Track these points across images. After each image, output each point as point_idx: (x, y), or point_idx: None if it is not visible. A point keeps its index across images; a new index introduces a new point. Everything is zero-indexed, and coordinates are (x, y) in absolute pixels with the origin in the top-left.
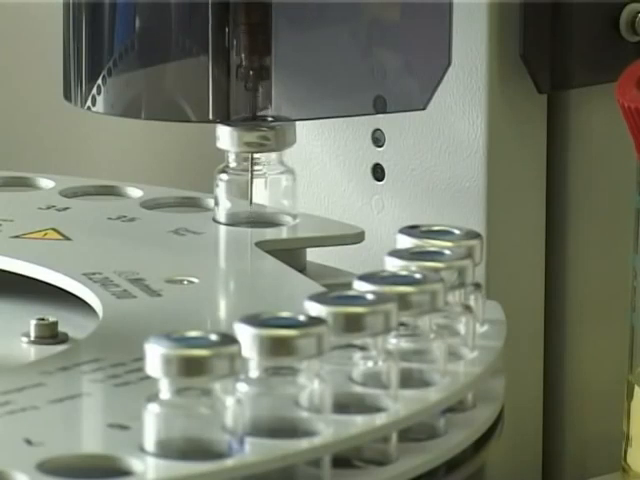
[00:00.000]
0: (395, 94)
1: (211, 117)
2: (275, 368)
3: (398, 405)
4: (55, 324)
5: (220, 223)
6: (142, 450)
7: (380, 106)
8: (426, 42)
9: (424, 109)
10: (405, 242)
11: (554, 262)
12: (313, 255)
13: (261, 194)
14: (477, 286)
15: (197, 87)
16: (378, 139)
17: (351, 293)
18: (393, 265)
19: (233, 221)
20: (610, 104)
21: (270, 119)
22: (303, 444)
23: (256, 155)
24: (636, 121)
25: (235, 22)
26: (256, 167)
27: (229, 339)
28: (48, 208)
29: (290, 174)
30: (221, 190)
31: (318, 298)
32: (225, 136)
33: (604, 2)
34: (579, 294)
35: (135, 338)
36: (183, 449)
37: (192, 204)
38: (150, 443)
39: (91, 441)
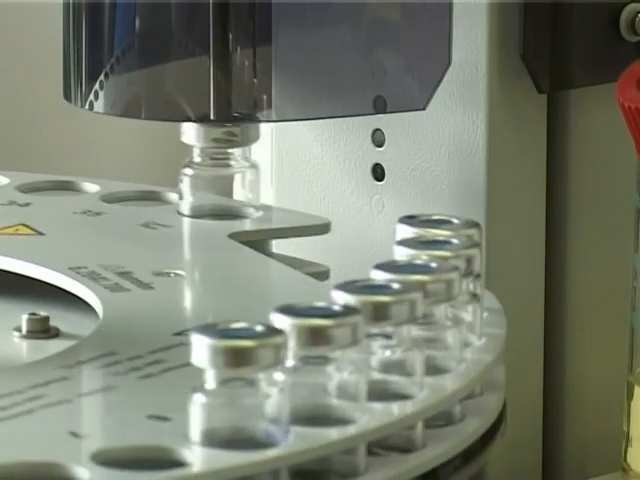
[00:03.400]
0: (395, 94)
1: (212, 117)
2: (310, 357)
3: (424, 392)
4: (46, 319)
5: (185, 215)
6: (188, 441)
7: (380, 106)
8: (426, 42)
9: (424, 109)
10: (405, 231)
11: (554, 261)
12: (313, 255)
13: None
14: (477, 276)
15: (197, 87)
16: (378, 139)
17: (376, 282)
18: (401, 255)
19: (197, 213)
20: (610, 104)
21: (269, 119)
22: (347, 431)
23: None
24: (636, 121)
25: (235, 22)
26: (221, 162)
27: (274, 330)
28: (10, 204)
29: (254, 169)
30: (185, 185)
31: (345, 287)
32: (191, 131)
33: (604, 2)
34: (579, 294)
35: (144, 330)
36: (228, 439)
37: (152, 197)
38: (196, 433)
39: (135, 433)
